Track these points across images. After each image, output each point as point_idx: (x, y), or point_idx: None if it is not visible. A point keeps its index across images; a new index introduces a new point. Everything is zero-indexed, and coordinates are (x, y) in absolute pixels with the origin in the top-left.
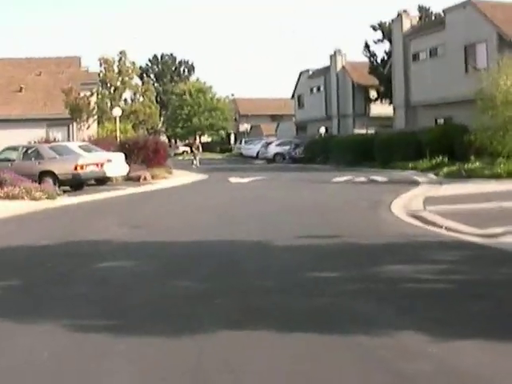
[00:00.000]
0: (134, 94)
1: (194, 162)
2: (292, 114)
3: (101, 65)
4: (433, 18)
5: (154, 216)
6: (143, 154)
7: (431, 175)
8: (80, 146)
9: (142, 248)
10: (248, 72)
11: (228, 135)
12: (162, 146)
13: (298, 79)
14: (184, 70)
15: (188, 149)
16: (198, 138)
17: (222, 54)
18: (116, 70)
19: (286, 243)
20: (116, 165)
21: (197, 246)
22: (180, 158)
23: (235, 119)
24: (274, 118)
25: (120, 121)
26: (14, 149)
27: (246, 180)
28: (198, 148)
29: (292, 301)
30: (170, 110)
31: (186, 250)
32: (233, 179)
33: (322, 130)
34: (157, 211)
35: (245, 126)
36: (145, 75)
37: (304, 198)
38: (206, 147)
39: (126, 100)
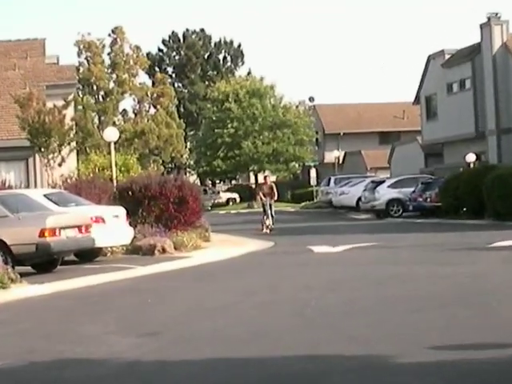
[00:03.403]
0: (139, 102)
1: (267, 221)
2: (416, 131)
3: (81, 53)
4: None
5: (178, 316)
6: (159, 208)
7: None
8: (48, 196)
9: (159, 372)
10: (336, 63)
11: (306, 170)
12: (191, 193)
13: (426, 69)
14: (225, 59)
15: (236, 196)
16: (267, 176)
17: (290, 32)
18: (107, 62)
19: (416, 359)
20: (112, 227)
21: (256, 366)
22: (223, 211)
23: (316, 142)
24: (385, 137)
25: (117, 150)
26: None
27: (339, 249)
28: (272, 193)
29: None
30: (202, 129)
31: (237, 374)
32: (317, 248)
33: (471, 157)
34: (184, 307)
35: (334, 154)
36: (157, 69)
37: (442, 276)
38: None
39: (125, 113)
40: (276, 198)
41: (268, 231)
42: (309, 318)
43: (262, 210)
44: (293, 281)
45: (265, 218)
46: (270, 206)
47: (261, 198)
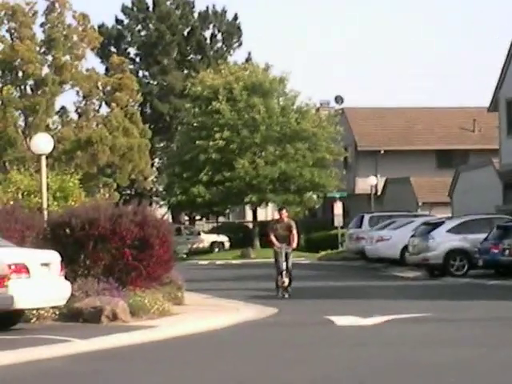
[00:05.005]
0: (86, 98)
1: (285, 279)
2: (492, 150)
3: (1, 23)
4: None
5: None
6: (110, 254)
7: None
8: None
9: None
10: (375, 49)
11: (329, 204)
12: (157, 234)
13: (508, 60)
14: (214, 37)
15: (224, 239)
16: (284, 209)
17: (310, 1)
18: (40, 36)
19: None
20: (40, 280)
21: None
22: (204, 261)
23: (345, 163)
24: (446, 158)
25: (51, 166)
26: None
27: (372, 321)
28: (290, 236)
29: None
30: (177, 140)
31: None
32: (340, 319)
33: None
34: None
35: (370, 182)
36: (114, 50)
37: None
38: None
39: (64, 112)
40: (296, 243)
41: (286, 295)
42: None
43: (274, 261)
44: (302, 368)
45: (283, 274)
46: (287, 255)
47: (273, 244)
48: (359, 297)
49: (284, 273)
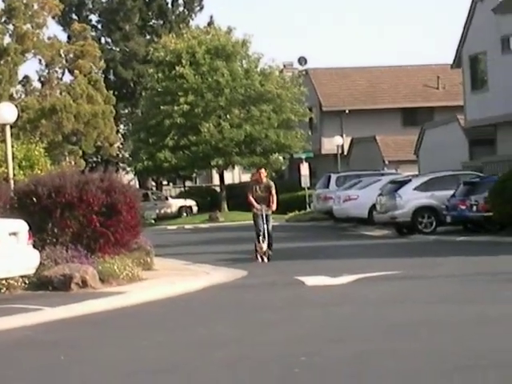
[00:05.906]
0: (48, 66)
1: (263, 244)
2: (456, 107)
3: None
4: None
5: (101, 381)
6: (77, 221)
7: None
8: None
9: None
10: (338, 9)
11: (295, 165)
12: (124, 199)
13: (470, 17)
14: (175, 1)
15: (192, 203)
16: (263, 169)
17: None
18: (0, 7)
19: None
20: (8, 249)
21: None
22: (173, 226)
23: (310, 123)
24: (411, 116)
25: (16, 136)
26: None
27: (342, 280)
28: (270, 197)
29: None
30: (142, 106)
31: None
32: (310, 279)
33: None
34: (112, 368)
35: (335, 142)
36: (75, 17)
37: (498, 321)
38: (242, 195)
39: (27, 81)
40: (275, 205)
41: (265, 260)
42: (297, 382)
43: (253, 223)
44: (272, 328)
45: (260, 238)
46: (267, 217)
47: (252, 205)
48: (328, 257)
49: (260, 236)
